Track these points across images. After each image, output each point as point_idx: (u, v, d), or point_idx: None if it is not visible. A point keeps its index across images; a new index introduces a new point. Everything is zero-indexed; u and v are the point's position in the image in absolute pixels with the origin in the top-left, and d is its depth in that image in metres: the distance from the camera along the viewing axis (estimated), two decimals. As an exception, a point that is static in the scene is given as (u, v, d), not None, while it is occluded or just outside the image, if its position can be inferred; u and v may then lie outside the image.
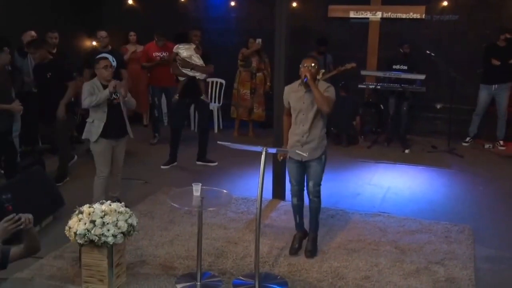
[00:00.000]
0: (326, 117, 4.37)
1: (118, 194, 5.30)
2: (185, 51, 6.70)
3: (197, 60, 6.70)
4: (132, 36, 8.64)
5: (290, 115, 4.46)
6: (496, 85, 7.73)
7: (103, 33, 7.38)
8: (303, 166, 4.42)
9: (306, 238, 4.62)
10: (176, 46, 6.80)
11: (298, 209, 4.63)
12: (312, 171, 4.38)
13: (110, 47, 7.39)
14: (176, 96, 6.77)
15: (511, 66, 7.60)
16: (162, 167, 6.87)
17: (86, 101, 4.91)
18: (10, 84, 5.73)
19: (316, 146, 4.34)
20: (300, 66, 4.29)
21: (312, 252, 4.49)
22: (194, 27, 7.01)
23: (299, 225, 4.69)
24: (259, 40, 8.00)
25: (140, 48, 8.61)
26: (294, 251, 4.54)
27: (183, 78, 6.74)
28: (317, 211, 4.57)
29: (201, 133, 7.00)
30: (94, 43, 8.05)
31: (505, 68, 7.59)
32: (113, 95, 4.97)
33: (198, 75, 6.73)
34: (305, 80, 4.21)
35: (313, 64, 4.26)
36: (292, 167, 4.47)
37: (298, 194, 4.55)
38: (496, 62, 7.56)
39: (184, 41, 6.77)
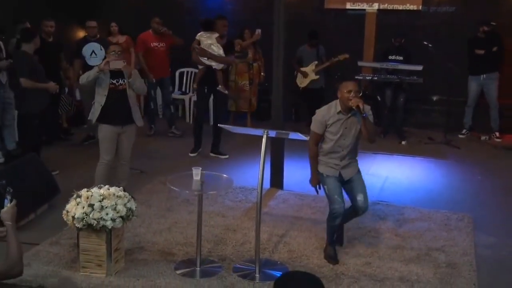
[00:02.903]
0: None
1: (125, 185, 5.13)
2: (206, 39, 6.64)
3: (216, 50, 6.63)
4: (113, 27, 8.45)
5: (317, 144, 4.09)
6: (484, 75, 7.80)
7: (92, 23, 7.33)
8: (341, 182, 4.11)
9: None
10: (199, 33, 6.73)
11: (338, 227, 4.22)
12: (357, 184, 4.08)
13: (98, 36, 7.34)
14: (194, 85, 6.70)
15: (496, 55, 7.68)
16: (190, 154, 6.88)
17: (80, 78, 5.01)
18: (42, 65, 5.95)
19: (355, 164, 4.15)
20: (343, 90, 3.92)
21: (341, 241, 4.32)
22: (220, 16, 6.85)
23: (334, 240, 4.27)
24: (259, 31, 7.90)
25: (122, 39, 8.49)
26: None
27: (202, 67, 6.73)
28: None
29: (216, 125, 6.84)
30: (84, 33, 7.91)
31: (491, 57, 7.68)
32: (121, 80, 4.92)
33: (215, 64, 6.66)
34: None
35: (359, 90, 4.00)
36: (331, 181, 4.05)
37: (342, 212, 4.04)
38: (479, 52, 7.66)
39: (209, 29, 6.70)
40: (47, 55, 6.67)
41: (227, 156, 6.85)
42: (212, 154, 6.89)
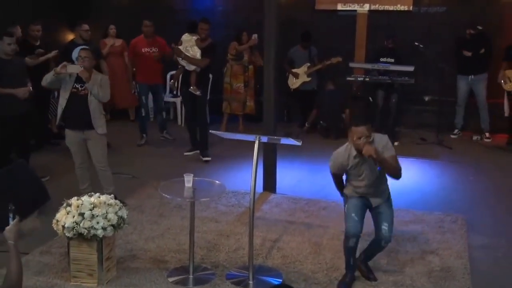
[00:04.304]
0: None
1: (112, 190, 5.07)
2: (187, 41, 6.71)
3: (190, 51, 6.64)
4: (112, 29, 8.38)
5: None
6: (473, 76, 7.81)
7: (85, 26, 7.24)
8: (368, 207, 3.93)
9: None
10: (184, 34, 6.85)
11: (353, 251, 3.87)
12: (384, 215, 3.88)
13: (88, 40, 7.26)
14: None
15: (484, 56, 7.69)
16: (185, 154, 7.02)
17: (42, 80, 5.02)
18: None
19: (385, 193, 3.96)
20: (353, 136, 3.68)
21: (373, 276, 3.99)
22: (203, 19, 6.80)
23: (353, 267, 3.92)
24: (255, 36, 7.80)
25: (118, 42, 8.41)
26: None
27: (180, 67, 6.88)
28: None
29: (199, 127, 6.89)
30: (75, 35, 7.78)
31: (479, 58, 7.69)
32: (83, 85, 4.89)
33: (185, 65, 6.68)
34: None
35: (370, 135, 3.67)
36: (354, 200, 3.89)
37: (358, 232, 3.81)
38: (467, 53, 7.68)
39: (192, 31, 6.79)
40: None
41: (209, 159, 6.79)
42: (202, 158, 6.84)
